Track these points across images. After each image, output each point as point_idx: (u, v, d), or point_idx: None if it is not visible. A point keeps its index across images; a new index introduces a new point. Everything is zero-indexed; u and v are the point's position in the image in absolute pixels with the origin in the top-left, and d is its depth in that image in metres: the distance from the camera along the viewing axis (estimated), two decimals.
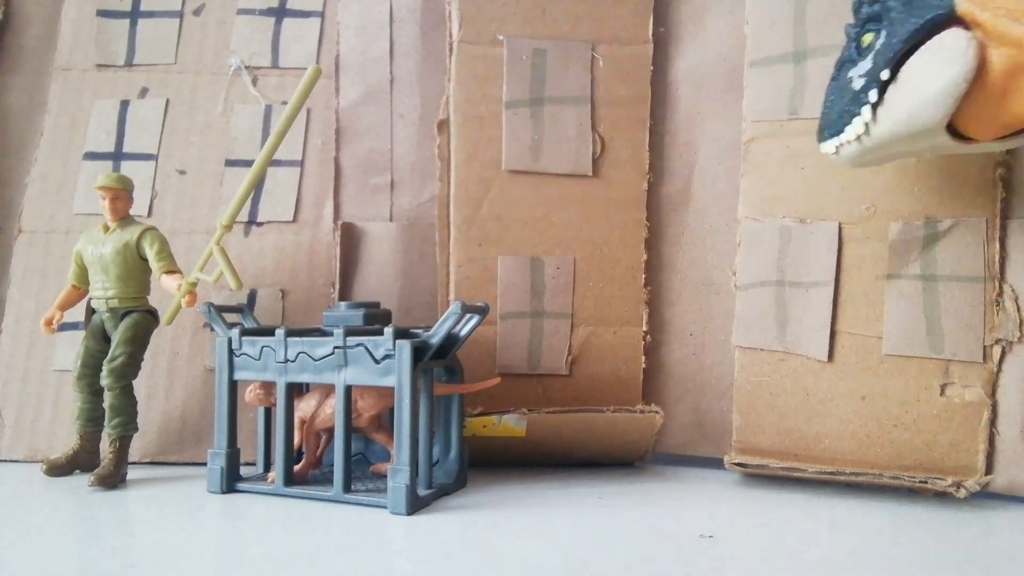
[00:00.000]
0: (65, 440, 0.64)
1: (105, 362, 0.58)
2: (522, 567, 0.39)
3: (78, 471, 0.60)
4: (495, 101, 0.63)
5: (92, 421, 0.60)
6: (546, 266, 0.63)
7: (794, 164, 0.59)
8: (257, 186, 0.69)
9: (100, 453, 0.60)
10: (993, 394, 0.53)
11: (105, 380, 0.58)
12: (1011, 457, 0.52)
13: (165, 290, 0.60)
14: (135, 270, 0.60)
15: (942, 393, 0.54)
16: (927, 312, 0.54)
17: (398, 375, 0.51)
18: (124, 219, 0.60)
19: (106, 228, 0.60)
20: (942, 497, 0.52)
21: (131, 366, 0.59)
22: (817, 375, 0.57)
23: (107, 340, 0.60)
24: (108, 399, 0.58)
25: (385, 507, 0.50)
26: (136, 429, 0.60)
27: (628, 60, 0.64)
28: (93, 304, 0.61)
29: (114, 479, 0.56)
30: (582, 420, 0.60)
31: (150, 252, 0.59)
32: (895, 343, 0.55)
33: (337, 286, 0.67)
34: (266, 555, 0.41)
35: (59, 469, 0.59)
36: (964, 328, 0.53)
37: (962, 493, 0.51)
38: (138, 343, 0.60)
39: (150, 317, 0.61)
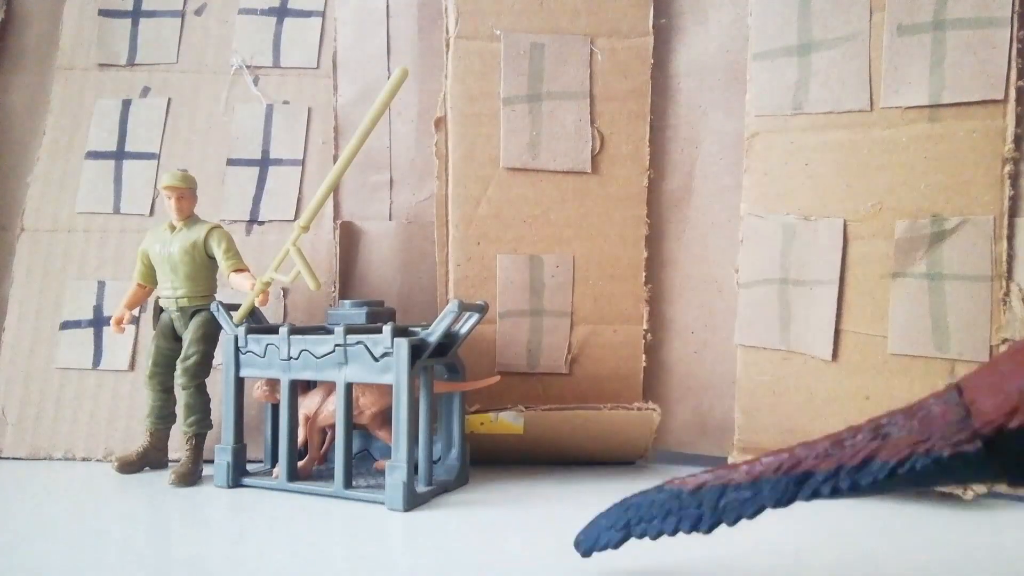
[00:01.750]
0: (67, 438, 0.64)
1: (179, 362, 0.59)
2: (513, 563, 0.39)
3: (148, 468, 0.60)
4: (492, 97, 0.63)
5: (162, 419, 0.61)
6: (545, 264, 0.63)
7: (798, 160, 0.58)
8: (259, 185, 0.70)
9: (168, 450, 0.61)
10: None
11: (179, 379, 0.59)
12: None
13: (234, 288, 0.59)
14: (203, 269, 0.60)
15: None
16: (933, 311, 0.53)
17: (396, 372, 0.51)
18: (190, 218, 0.60)
19: (172, 227, 0.60)
20: (946, 497, 0.52)
21: (204, 365, 0.59)
22: (821, 374, 0.56)
23: (177, 339, 0.61)
24: (183, 398, 0.59)
25: (383, 503, 0.50)
26: (211, 426, 0.60)
27: (628, 53, 0.64)
28: (162, 303, 0.61)
29: (193, 476, 0.57)
30: (579, 417, 0.60)
31: (218, 251, 0.59)
32: (900, 342, 0.54)
33: (337, 285, 0.67)
34: (262, 550, 0.42)
35: (130, 466, 0.59)
36: (970, 327, 0.52)
37: (970, 495, 0.50)
38: (209, 341, 0.60)
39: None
